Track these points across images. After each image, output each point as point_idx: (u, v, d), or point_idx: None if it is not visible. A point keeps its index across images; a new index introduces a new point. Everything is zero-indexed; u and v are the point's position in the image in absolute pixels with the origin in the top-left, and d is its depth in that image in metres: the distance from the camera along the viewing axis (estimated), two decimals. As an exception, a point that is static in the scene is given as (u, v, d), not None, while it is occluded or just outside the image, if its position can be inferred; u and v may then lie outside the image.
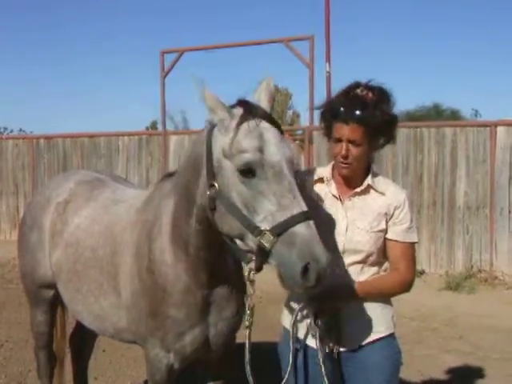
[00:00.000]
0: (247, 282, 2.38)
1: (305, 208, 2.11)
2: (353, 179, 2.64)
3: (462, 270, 9.15)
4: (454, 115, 32.05)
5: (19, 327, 6.52)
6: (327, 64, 10.06)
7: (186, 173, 2.55)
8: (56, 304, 3.88)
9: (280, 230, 2.06)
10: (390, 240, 2.62)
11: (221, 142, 2.25)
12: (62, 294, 3.54)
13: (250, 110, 2.25)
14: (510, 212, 9.02)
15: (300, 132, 11.87)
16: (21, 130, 29.72)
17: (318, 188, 2.71)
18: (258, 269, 2.20)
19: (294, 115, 39.41)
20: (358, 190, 2.63)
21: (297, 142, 11.05)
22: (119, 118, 63.02)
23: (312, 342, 2.57)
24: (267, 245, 2.07)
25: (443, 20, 69.25)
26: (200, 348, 2.81)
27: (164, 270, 2.72)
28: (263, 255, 2.11)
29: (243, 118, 2.22)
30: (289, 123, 36.95)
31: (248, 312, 2.42)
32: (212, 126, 2.33)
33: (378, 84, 2.58)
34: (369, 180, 2.63)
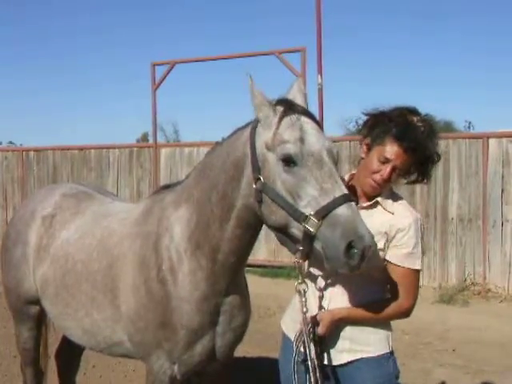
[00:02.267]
0: (297, 271, 2.50)
1: (345, 191, 2.23)
2: (366, 194, 2.63)
3: (456, 283, 9.14)
4: (448, 127, 32.21)
5: (6, 342, 6.44)
6: (319, 76, 10.08)
7: (219, 180, 2.61)
8: (41, 320, 3.85)
9: (323, 212, 2.18)
10: (389, 263, 2.58)
11: (264, 136, 2.41)
12: (48, 309, 3.50)
13: (290, 107, 2.42)
14: (502, 224, 9.03)
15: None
16: (10, 142, 29.65)
17: None
18: (306, 256, 2.31)
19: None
20: (364, 204, 2.61)
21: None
22: (110, 131, 63.12)
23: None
24: (312, 229, 2.18)
25: (437, 31, 70.01)
26: (205, 359, 2.82)
27: (181, 279, 2.73)
28: (309, 240, 2.21)
29: (284, 113, 2.39)
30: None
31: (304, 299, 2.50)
32: (254, 127, 2.48)
33: (429, 118, 2.59)
34: (379, 198, 2.60)
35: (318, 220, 2.17)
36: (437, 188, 9.46)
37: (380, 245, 2.53)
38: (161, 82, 11.28)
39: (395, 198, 2.65)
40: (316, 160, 2.27)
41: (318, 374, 2.42)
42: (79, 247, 3.29)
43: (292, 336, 2.64)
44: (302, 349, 2.53)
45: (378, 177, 2.52)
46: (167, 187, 3.09)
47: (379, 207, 2.60)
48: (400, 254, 2.55)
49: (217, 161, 2.66)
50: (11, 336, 6.31)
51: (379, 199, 2.59)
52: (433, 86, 71.46)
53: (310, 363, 2.44)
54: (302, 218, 2.22)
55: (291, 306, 2.83)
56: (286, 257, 9.96)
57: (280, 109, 2.42)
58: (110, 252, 3.07)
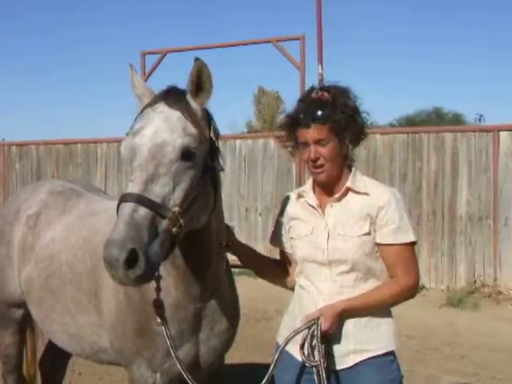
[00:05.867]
0: None
1: (130, 190, 2.23)
2: (332, 185, 2.68)
3: (465, 285, 9.16)
4: (457, 120, 32.25)
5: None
6: (319, 66, 10.07)
7: None
8: (26, 325, 3.84)
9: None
10: (380, 245, 2.61)
11: None
12: (33, 312, 3.50)
13: (156, 96, 2.47)
14: (514, 222, 9.05)
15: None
16: (-8, 136, 29.49)
17: (300, 203, 2.78)
18: None
19: (286, 120, 39.51)
20: (337, 195, 2.66)
21: (288, 149, 11.06)
22: (97, 125, 63.05)
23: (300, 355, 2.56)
24: None
25: (445, 22, 70.10)
26: (189, 367, 2.79)
27: (152, 284, 2.67)
28: None
29: (147, 104, 2.47)
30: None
31: None
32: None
33: (332, 83, 2.73)
34: (348, 183, 2.65)
35: None
36: (444, 184, 9.47)
37: (365, 229, 2.58)
38: (151, 72, 11.26)
39: (363, 179, 2.72)
40: (134, 154, 2.30)
41: (324, 380, 2.44)
42: (65, 247, 3.29)
43: (291, 347, 2.61)
44: (305, 351, 2.54)
45: (310, 163, 2.64)
46: None
47: (351, 193, 2.66)
48: (388, 232, 2.58)
49: None
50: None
51: (349, 185, 2.65)
52: (442, 78, 71.73)
53: (320, 365, 2.45)
54: None
55: (286, 316, 2.85)
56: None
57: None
58: (95, 253, 3.06)
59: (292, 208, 2.82)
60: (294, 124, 2.68)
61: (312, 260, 2.66)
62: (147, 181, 2.22)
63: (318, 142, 2.59)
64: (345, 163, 2.70)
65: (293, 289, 2.86)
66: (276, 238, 2.92)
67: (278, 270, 2.94)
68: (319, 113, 2.58)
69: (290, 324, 2.72)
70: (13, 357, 3.90)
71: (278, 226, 2.90)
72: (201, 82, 2.41)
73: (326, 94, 2.64)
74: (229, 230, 2.86)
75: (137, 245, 2.07)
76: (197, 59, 2.37)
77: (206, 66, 2.38)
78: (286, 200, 2.88)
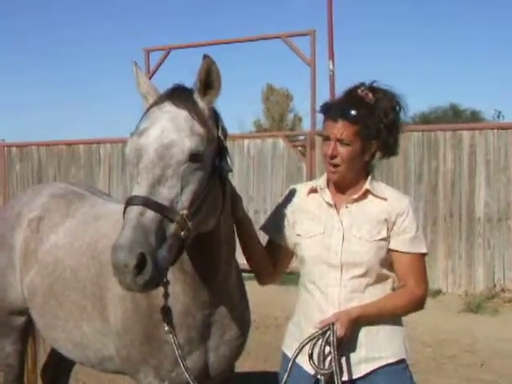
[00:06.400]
0: None
1: (137, 193, 2.21)
2: (346, 186, 2.68)
3: (484, 290, 9.12)
4: (475, 117, 32.06)
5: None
6: (330, 62, 10.10)
7: None
8: (27, 333, 3.85)
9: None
10: (395, 251, 2.62)
11: None
12: (36, 320, 3.52)
13: (161, 96, 2.46)
14: (535, 224, 9.01)
15: (302, 137, 11.90)
16: (-9, 137, 29.66)
17: (312, 199, 2.75)
18: None
19: (296, 119, 39.52)
20: (355, 196, 2.65)
21: (298, 148, 11.06)
22: (100, 125, 63.24)
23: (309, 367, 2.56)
24: None
25: (461, 19, 69.89)
26: (197, 376, 2.80)
27: (161, 289, 2.67)
28: None
29: (153, 104, 2.46)
30: (289, 127, 37.05)
31: None
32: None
33: (385, 86, 2.66)
34: (367, 185, 2.65)
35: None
36: (462, 184, 9.43)
37: (383, 234, 2.60)
38: (156, 69, 11.31)
39: (379, 184, 2.72)
40: (139, 155, 2.28)
41: None
42: (68, 252, 3.31)
43: (299, 358, 2.59)
44: (315, 359, 2.54)
45: (327, 158, 2.61)
46: None
47: (370, 196, 2.66)
48: (404, 240, 2.61)
49: None
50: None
51: (368, 187, 2.65)
52: (459, 74, 71.52)
53: (335, 374, 2.45)
54: None
55: (291, 325, 2.85)
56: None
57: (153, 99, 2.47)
58: (99, 258, 3.09)
59: (301, 201, 2.79)
60: (325, 112, 2.66)
61: (321, 262, 2.65)
62: (154, 183, 2.21)
63: (339, 140, 2.57)
64: (364, 169, 2.69)
65: (267, 283, 2.92)
66: (272, 227, 2.88)
67: (266, 259, 2.88)
68: (352, 112, 2.55)
69: (297, 334, 2.71)
70: (14, 366, 3.90)
71: (279, 215, 2.85)
72: (210, 81, 2.39)
73: (370, 95, 2.60)
74: (238, 199, 2.79)
75: (145, 249, 2.06)
76: (206, 56, 2.35)
77: (215, 64, 2.36)
78: (294, 191, 2.85)
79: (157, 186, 2.21)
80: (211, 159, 2.40)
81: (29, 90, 77.58)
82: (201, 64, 2.38)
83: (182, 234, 2.23)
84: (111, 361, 3.11)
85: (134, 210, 2.15)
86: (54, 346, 3.56)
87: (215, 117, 2.52)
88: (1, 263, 3.66)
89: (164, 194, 2.20)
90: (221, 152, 2.50)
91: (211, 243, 2.59)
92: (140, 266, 2.05)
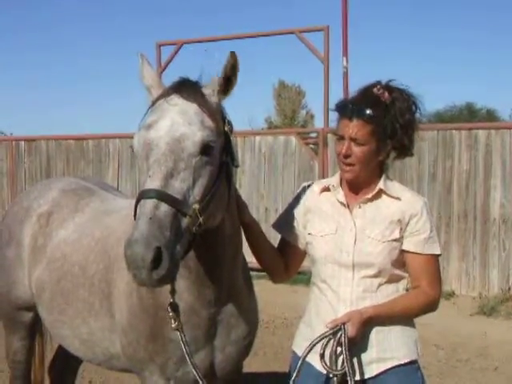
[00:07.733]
0: None
1: (151, 186, 2.20)
2: (360, 185, 2.67)
3: (498, 292, 9.07)
4: (491, 116, 31.93)
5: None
6: (344, 58, 10.07)
7: None
8: (35, 329, 3.87)
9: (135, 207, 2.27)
10: (408, 252, 2.63)
11: None
12: (43, 316, 3.54)
13: (169, 88, 2.46)
14: (551, 226, 8.96)
15: (314, 135, 11.87)
16: (0, 132, 29.82)
17: (324, 197, 2.75)
18: None
19: (308, 116, 39.47)
20: (368, 195, 2.66)
21: (310, 146, 11.04)
22: (109, 120, 63.42)
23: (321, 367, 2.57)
24: None
25: (472, 20, 69.64)
26: (204, 376, 2.77)
27: (165, 287, 2.67)
28: None
29: (160, 96, 2.46)
30: (302, 124, 37.00)
31: None
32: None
33: (401, 85, 2.65)
34: (381, 184, 2.65)
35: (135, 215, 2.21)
36: (476, 185, 9.38)
37: (395, 235, 2.61)
38: (167, 64, 11.32)
39: (393, 184, 2.72)
40: (150, 148, 2.27)
41: None
42: (77, 248, 3.32)
43: (310, 356, 2.60)
44: (327, 360, 2.54)
45: (341, 157, 2.61)
46: None
47: (384, 196, 2.66)
48: (418, 241, 2.61)
49: None
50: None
51: (382, 187, 2.65)
52: (474, 72, 71.21)
53: (348, 374, 2.46)
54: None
55: (302, 324, 2.85)
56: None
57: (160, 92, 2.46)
58: (108, 254, 3.10)
59: (313, 199, 2.79)
60: (339, 112, 2.65)
61: (333, 261, 2.66)
62: (167, 176, 2.20)
63: (354, 140, 2.57)
64: (378, 168, 2.69)
65: (281, 282, 2.93)
66: (284, 226, 2.89)
67: (277, 259, 2.89)
68: (367, 111, 2.54)
69: (308, 333, 2.72)
70: (21, 363, 3.93)
71: (291, 213, 2.86)
72: (231, 77, 2.41)
73: (386, 94, 2.59)
74: (242, 203, 2.79)
75: (162, 243, 2.06)
76: (232, 53, 2.36)
77: (239, 62, 2.38)
78: (306, 189, 2.85)
79: (169, 179, 2.21)
80: (220, 153, 2.41)
81: (39, 85, 78.05)
82: (227, 60, 2.38)
83: (194, 228, 2.23)
84: (118, 359, 3.12)
85: (149, 203, 2.14)
86: (61, 343, 3.58)
87: (221, 111, 2.52)
88: (9, 258, 3.69)
89: (177, 188, 2.20)
90: (227, 146, 2.50)
91: (216, 239, 2.60)
92: (157, 260, 2.04)
